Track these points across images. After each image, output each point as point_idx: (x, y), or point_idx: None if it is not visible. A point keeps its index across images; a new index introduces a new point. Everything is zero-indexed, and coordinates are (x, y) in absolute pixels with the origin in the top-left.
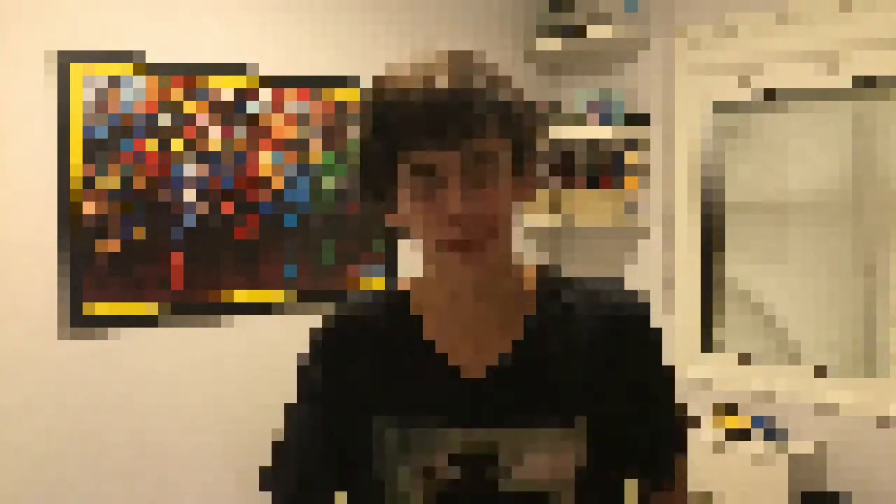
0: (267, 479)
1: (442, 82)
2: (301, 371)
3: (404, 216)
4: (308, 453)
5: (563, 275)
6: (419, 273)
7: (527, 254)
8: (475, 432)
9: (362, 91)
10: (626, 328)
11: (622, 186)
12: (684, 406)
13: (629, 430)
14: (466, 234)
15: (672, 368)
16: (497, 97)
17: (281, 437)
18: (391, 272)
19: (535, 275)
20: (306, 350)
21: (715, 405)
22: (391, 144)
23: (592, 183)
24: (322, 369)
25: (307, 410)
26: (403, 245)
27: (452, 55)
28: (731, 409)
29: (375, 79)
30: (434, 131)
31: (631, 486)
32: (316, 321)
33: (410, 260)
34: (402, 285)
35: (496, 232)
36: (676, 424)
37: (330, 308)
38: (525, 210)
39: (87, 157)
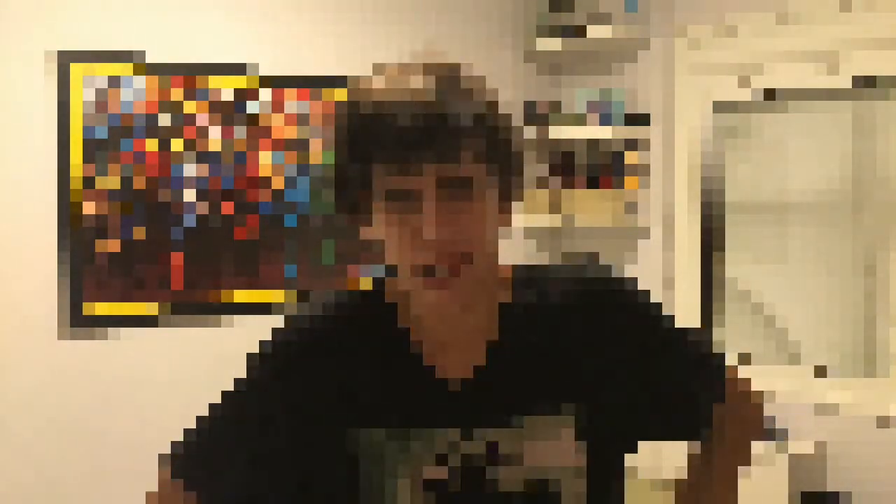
0: (188, 473)
1: (419, 97)
2: (254, 383)
3: (379, 235)
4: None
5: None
6: None
7: (527, 254)
8: (468, 439)
9: (338, 103)
10: (603, 301)
11: (622, 186)
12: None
13: (639, 403)
14: (440, 260)
15: (669, 320)
16: (479, 116)
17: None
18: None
19: (510, 274)
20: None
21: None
22: (366, 162)
23: (592, 183)
24: (288, 379)
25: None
26: None
27: (433, 67)
28: None
29: (350, 90)
30: (409, 152)
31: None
32: None
33: None
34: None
35: (471, 257)
36: (701, 370)
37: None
38: (525, 210)
39: (87, 157)
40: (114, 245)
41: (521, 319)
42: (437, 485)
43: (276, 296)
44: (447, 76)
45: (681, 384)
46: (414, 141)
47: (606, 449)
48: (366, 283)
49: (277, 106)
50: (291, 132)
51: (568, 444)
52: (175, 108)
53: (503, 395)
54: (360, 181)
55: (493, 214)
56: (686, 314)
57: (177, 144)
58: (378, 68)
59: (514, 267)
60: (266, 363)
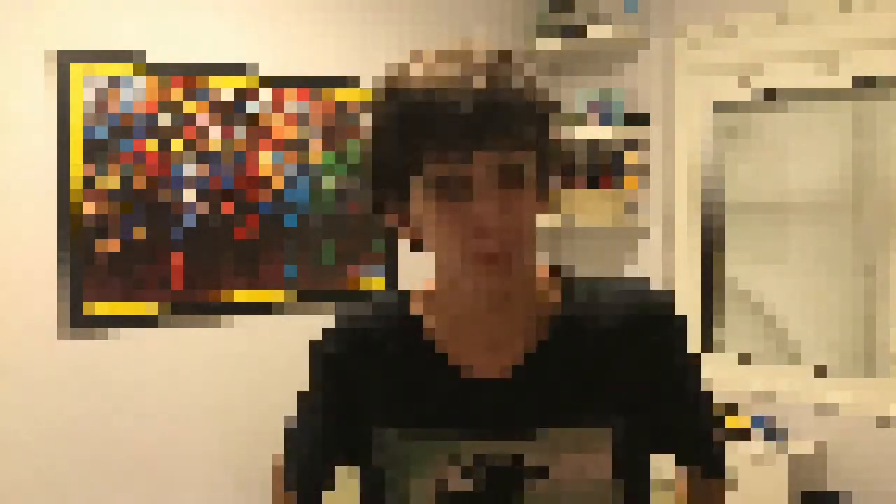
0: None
1: (478, 82)
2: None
3: (419, 226)
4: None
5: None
6: (419, 273)
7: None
8: (494, 444)
9: (376, 90)
10: (645, 324)
11: (622, 186)
12: (712, 403)
13: (664, 424)
14: (498, 247)
15: (697, 357)
16: (531, 103)
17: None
18: (391, 272)
19: (551, 278)
20: (304, 350)
21: (715, 405)
22: (413, 150)
23: (592, 183)
24: (330, 383)
25: (313, 409)
26: (403, 245)
27: (482, 54)
28: (731, 409)
29: (390, 78)
30: (462, 139)
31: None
32: (315, 321)
33: (411, 260)
34: (414, 295)
35: (524, 244)
36: (711, 420)
37: (330, 308)
38: None
39: (87, 157)
40: (114, 245)
41: (565, 329)
42: (460, 497)
43: (276, 296)
44: (499, 63)
45: (700, 429)
46: (468, 127)
47: (636, 466)
48: (366, 283)
49: (277, 106)
50: (291, 132)
51: (604, 459)
52: (175, 108)
53: (537, 404)
54: (402, 169)
55: (535, 205)
56: (686, 314)
57: (177, 144)
58: (416, 55)
59: (551, 268)
60: (318, 364)
